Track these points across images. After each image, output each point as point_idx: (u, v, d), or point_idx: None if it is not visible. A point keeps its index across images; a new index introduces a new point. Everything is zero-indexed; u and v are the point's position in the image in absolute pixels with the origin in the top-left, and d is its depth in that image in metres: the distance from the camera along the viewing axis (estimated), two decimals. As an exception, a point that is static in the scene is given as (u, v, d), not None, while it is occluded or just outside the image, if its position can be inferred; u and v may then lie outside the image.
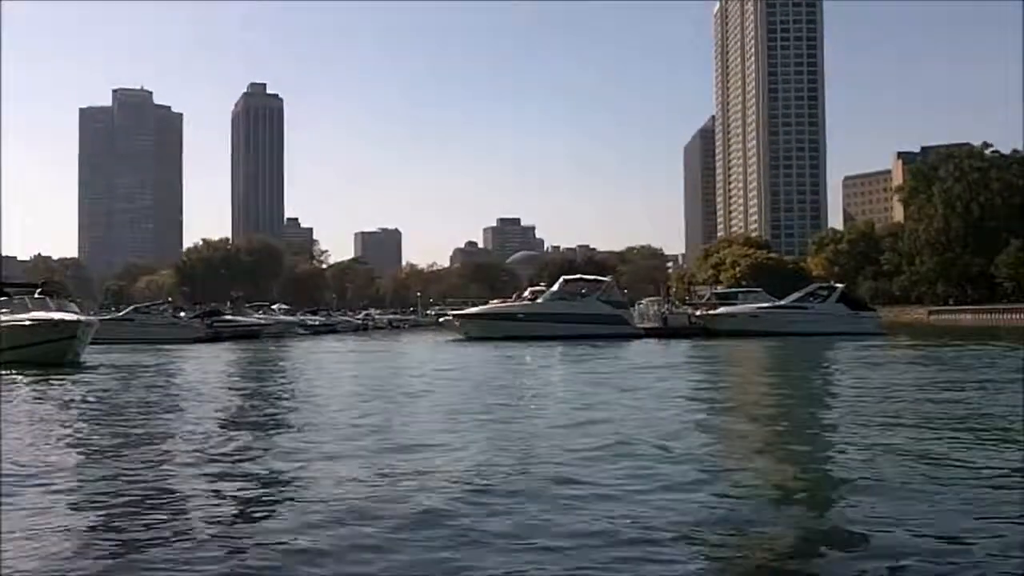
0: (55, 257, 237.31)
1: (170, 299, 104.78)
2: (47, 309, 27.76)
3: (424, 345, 45.67)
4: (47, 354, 25.39)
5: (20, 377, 21.33)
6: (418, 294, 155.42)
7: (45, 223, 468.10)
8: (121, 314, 54.88)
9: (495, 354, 32.58)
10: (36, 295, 29.61)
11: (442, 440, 10.49)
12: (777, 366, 27.56)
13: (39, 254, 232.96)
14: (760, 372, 24.82)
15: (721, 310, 51.10)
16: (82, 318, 27.63)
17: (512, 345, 38.44)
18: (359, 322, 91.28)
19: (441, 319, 56.68)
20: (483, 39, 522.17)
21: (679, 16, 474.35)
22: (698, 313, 51.64)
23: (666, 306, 56.74)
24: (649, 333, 48.18)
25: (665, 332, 48.40)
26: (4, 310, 27.69)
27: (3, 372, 21.97)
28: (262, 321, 62.36)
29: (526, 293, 54.72)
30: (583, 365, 26.80)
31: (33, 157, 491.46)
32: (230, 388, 20.39)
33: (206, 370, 26.71)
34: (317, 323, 74.75)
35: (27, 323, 26.64)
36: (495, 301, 57.90)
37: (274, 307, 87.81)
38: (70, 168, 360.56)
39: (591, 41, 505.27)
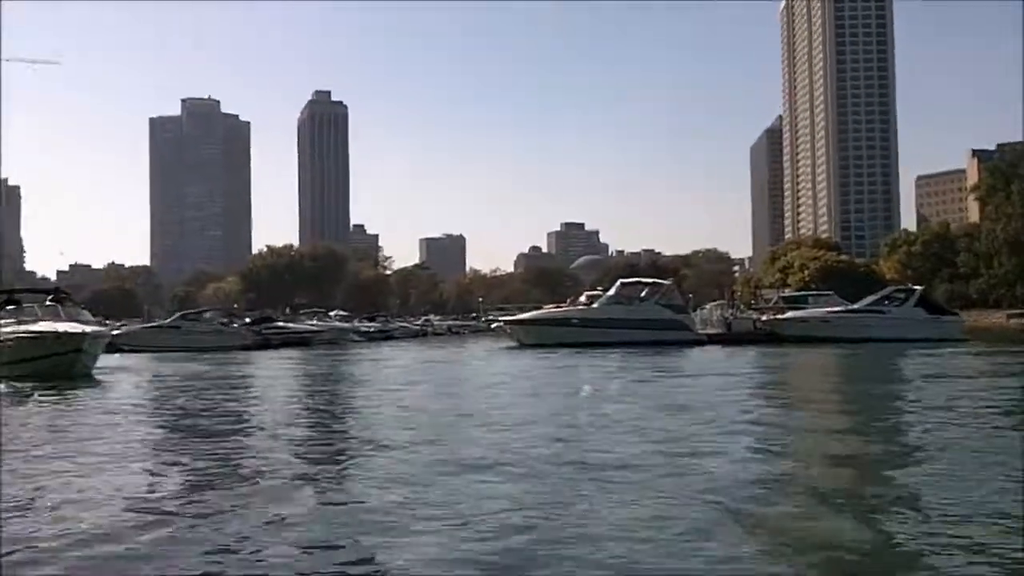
0: (127, 264, 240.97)
1: (235, 305, 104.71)
2: (57, 318, 26.23)
3: (475, 353, 43.76)
4: (54, 368, 23.93)
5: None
6: (480, 299, 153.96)
7: (119, 231, 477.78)
8: (167, 322, 54.26)
9: (545, 365, 30.50)
10: (47, 303, 28.14)
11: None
12: (876, 377, 24.66)
13: (112, 262, 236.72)
14: (862, 386, 21.78)
15: (789, 314, 48.23)
16: (88, 330, 25.84)
17: (567, 353, 36.29)
18: (417, 328, 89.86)
19: (493, 325, 54.54)
20: (548, 41, 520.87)
21: (745, 15, 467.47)
22: (764, 318, 48.88)
23: (730, 311, 54.00)
24: (712, 339, 45.65)
25: (729, 338, 45.80)
26: (11, 320, 26.38)
27: None
28: (314, 328, 61.05)
29: (582, 298, 52.25)
30: (645, 380, 24.53)
31: (107, 166, 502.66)
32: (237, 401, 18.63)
33: (233, 382, 25.16)
34: (372, 330, 73.29)
35: (30, 336, 25.20)
36: (549, 306, 55.62)
37: (331, 313, 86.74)
38: (142, 177, 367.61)
39: (656, 42, 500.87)
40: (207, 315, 56.58)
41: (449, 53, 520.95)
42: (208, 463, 9.61)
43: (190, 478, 8.82)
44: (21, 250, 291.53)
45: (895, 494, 7.67)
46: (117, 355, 45.61)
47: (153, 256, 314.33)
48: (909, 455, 9.78)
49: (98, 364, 27.36)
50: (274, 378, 26.49)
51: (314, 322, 66.00)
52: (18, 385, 21.19)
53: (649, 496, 7.42)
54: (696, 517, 6.70)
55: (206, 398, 19.08)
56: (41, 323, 25.84)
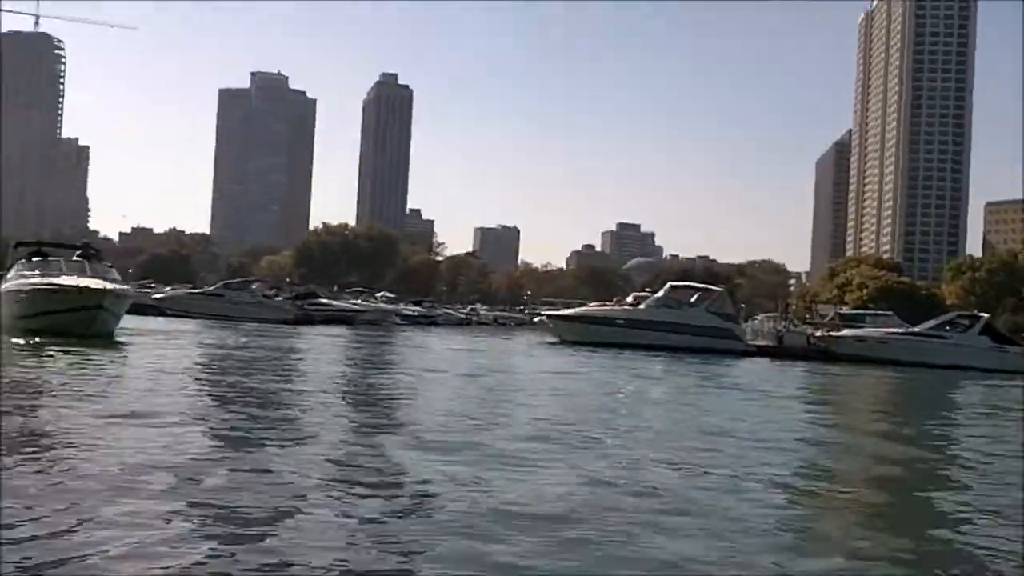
0: (188, 232, 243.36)
1: (288, 279, 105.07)
2: (82, 274, 25.19)
3: (512, 347, 42.60)
4: (72, 323, 22.88)
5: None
6: (528, 293, 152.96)
7: (183, 199, 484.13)
8: (211, 289, 54.25)
9: (583, 364, 29.32)
10: (74, 258, 27.14)
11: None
12: (940, 406, 22.93)
13: (173, 228, 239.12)
14: (924, 421, 20.00)
15: (846, 332, 46.22)
16: (110, 286, 24.54)
17: (608, 354, 35.03)
18: (462, 316, 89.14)
19: (536, 319, 53.31)
20: (614, 41, 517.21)
21: (822, 24, 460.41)
22: (819, 333, 46.98)
23: (783, 323, 52.19)
24: (761, 351, 44.05)
25: (779, 351, 44.15)
26: (36, 271, 25.48)
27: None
28: (357, 307, 60.46)
29: (629, 298, 50.88)
30: (685, 389, 23.26)
31: (176, 133, 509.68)
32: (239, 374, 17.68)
33: (253, 350, 24.36)
34: (416, 314, 72.58)
35: (49, 288, 24.16)
36: (593, 304, 54.20)
37: (378, 295, 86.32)
38: (208, 147, 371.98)
39: (724, 47, 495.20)
40: (252, 286, 56.31)
41: (516, 46, 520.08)
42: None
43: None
44: (86, 209, 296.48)
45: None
46: (161, 318, 45.70)
47: (213, 226, 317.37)
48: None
49: (125, 325, 26.77)
50: (297, 357, 25.54)
51: (358, 302, 65.41)
52: (30, 340, 20.51)
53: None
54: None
55: (221, 370, 18.23)
56: (64, 277, 24.88)
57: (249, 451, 8.50)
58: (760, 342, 47.01)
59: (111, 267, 28.88)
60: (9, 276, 26.95)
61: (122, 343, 23.47)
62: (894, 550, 6.26)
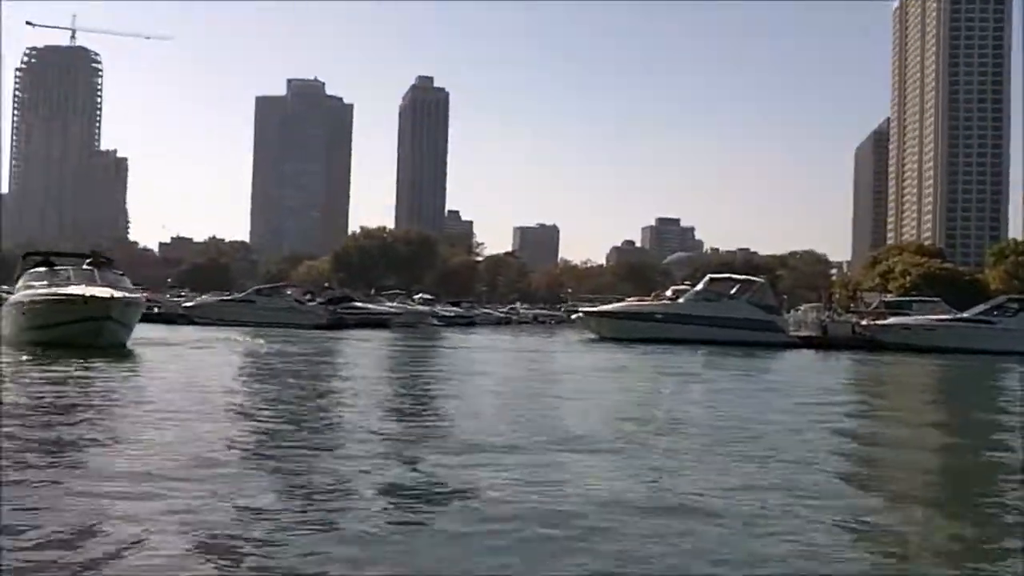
0: (227, 240, 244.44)
1: (326, 285, 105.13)
2: (91, 283, 24.03)
3: (548, 346, 41.75)
4: (80, 335, 22.02)
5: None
6: (568, 290, 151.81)
7: (222, 207, 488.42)
8: (241, 295, 53.75)
9: (622, 362, 28.40)
10: (84, 267, 26.17)
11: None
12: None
13: (213, 236, 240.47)
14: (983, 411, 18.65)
15: (892, 320, 44.78)
16: (117, 295, 23.43)
17: (646, 350, 34.06)
18: (501, 315, 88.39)
19: (573, 316, 52.27)
20: (649, 36, 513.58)
21: (856, 14, 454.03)
22: (864, 322, 45.54)
23: (827, 313, 50.77)
24: (805, 342, 42.81)
25: (823, 342, 42.86)
26: (43, 282, 24.56)
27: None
28: (392, 310, 59.82)
29: (668, 292, 49.70)
30: (723, 389, 22.26)
31: (214, 142, 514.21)
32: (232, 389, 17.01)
33: (278, 359, 23.73)
34: (453, 315, 71.87)
35: (54, 299, 23.17)
36: (631, 299, 53.04)
37: (415, 296, 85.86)
38: (246, 155, 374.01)
39: (761, 38, 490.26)
40: (285, 291, 55.87)
41: (551, 44, 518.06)
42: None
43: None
44: (126, 221, 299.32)
45: None
46: (190, 327, 45.31)
47: (253, 233, 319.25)
48: None
49: (148, 335, 26.22)
50: (328, 363, 24.87)
51: (393, 304, 64.78)
52: (35, 352, 19.86)
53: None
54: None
55: (243, 385, 17.51)
56: (71, 287, 23.73)
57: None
58: (804, 333, 45.74)
59: (123, 275, 27.81)
60: (17, 287, 26.26)
61: (132, 355, 22.41)
62: None
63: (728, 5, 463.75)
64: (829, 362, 31.93)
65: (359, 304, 58.18)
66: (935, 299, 53.82)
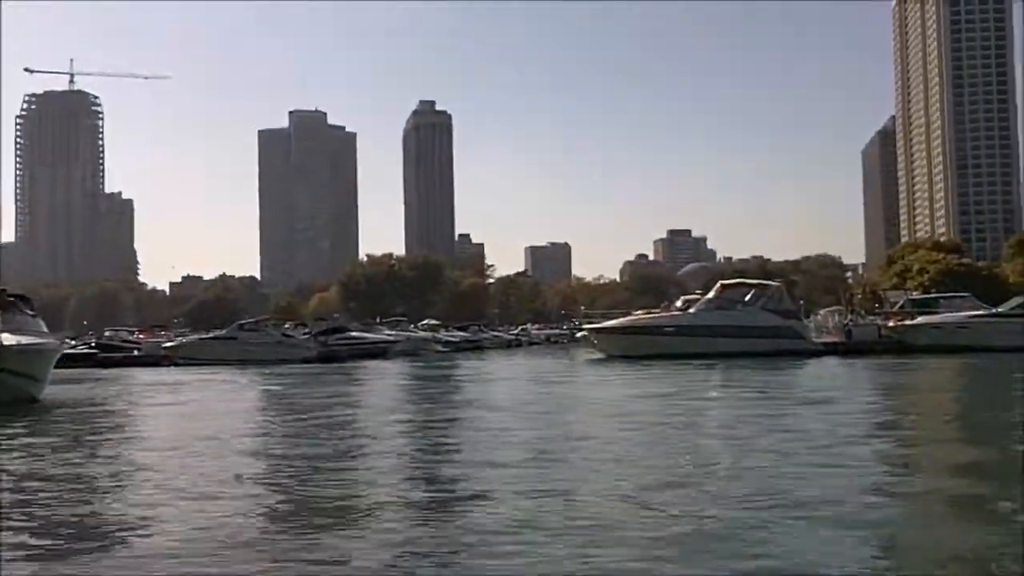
0: (237, 276, 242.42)
1: (336, 315, 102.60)
2: None
3: (550, 369, 38.62)
4: None
5: None
6: (582, 308, 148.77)
7: (231, 244, 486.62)
8: (224, 333, 50.88)
9: (627, 383, 25.38)
10: None
11: None
12: None
13: (223, 273, 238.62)
14: None
15: (920, 320, 41.49)
16: (10, 342, 19.92)
17: (655, 369, 30.96)
18: (511, 338, 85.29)
19: (578, 334, 48.89)
20: (651, 47, 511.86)
21: (855, 15, 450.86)
22: (891, 324, 42.24)
23: (849, 316, 47.51)
24: (828, 349, 39.69)
25: (848, 348, 39.75)
26: None
27: None
28: (390, 338, 56.75)
29: (677, 303, 46.48)
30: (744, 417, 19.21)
31: (218, 178, 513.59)
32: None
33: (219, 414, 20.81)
34: (458, 339, 68.72)
35: None
36: (638, 312, 49.64)
37: (421, 323, 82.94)
38: (251, 189, 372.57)
39: (762, 42, 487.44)
40: (269, 324, 53.10)
41: (553, 60, 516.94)
42: None
43: None
44: (135, 262, 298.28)
45: None
46: (172, 368, 42.62)
47: (263, 267, 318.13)
48: None
49: (107, 377, 23.11)
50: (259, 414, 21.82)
51: (391, 332, 61.65)
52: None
53: None
54: None
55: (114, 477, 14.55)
56: None
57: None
58: (826, 339, 42.62)
59: (34, 315, 23.78)
60: None
61: (38, 411, 18.99)
62: None
63: (730, 10, 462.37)
64: (867, 371, 28.73)
65: (355, 334, 55.14)
66: (964, 294, 49.48)
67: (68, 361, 45.84)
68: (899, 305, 49.11)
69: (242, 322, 52.81)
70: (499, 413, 16.96)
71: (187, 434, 14.39)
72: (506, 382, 28.71)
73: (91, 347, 53.00)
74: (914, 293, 64.00)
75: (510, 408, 18.27)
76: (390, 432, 14.56)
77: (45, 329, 23.36)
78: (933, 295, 55.67)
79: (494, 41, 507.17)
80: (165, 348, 48.36)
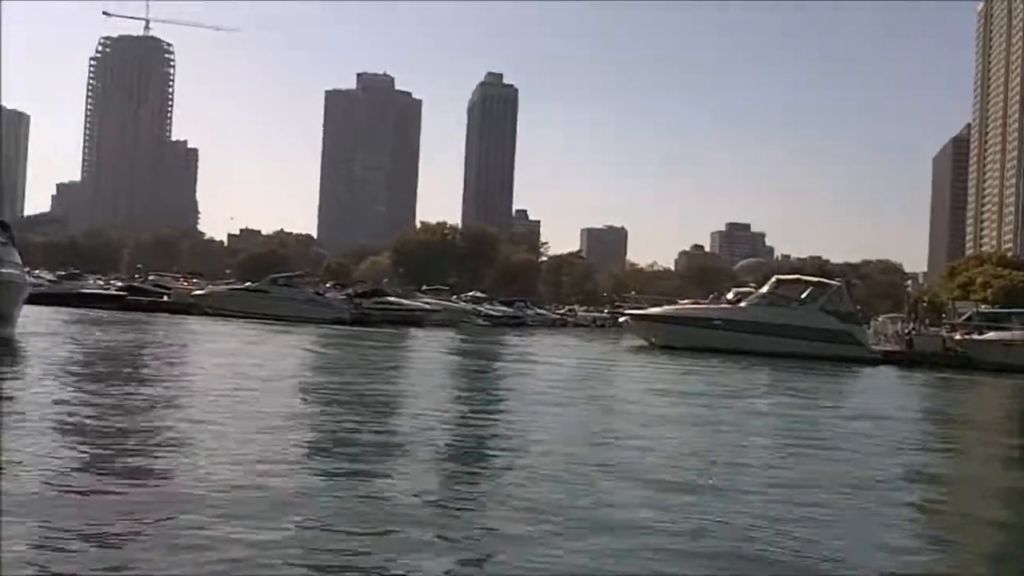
0: (294, 233, 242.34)
1: (385, 280, 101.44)
2: None
3: (584, 354, 36.44)
4: None
5: None
6: (633, 292, 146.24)
7: (291, 200, 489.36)
8: (255, 285, 49.44)
9: (650, 386, 23.29)
10: None
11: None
12: None
13: (281, 229, 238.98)
14: None
15: (991, 335, 38.57)
16: None
17: (698, 364, 28.73)
18: (556, 317, 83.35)
19: (620, 319, 46.49)
20: (722, 39, 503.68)
21: (936, 13, 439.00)
22: (957, 336, 39.34)
23: (912, 325, 44.62)
24: (888, 358, 37.05)
25: (909, 358, 37.08)
26: None
27: None
28: (427, 307, 54.93)
29: (729, 294, 43.87)
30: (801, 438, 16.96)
31: (283, 135, 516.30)
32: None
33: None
34: (499, 314, 66.78)
35: None
36: (685, 301, 47.07)
37: (467, 294, 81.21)
38: (315, 148, 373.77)
39: (840, 41, 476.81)
40: (305, 281, 51.81)
41: (624, 44, 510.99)
42: None
43: None
44: (195, 211, 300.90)
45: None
46: (199, 318, 41.45)
47: (321, 227, 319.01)
48: None
49: (120, 320, 21.67)
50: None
51: (429, 301, 59.79)
52: None
53: None
54: None
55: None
56: None
57: None
58: (885, 347, 39.95)
59: (6, 243, 20.92)
60: None
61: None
62: None
63: (808, 9, 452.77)
64: (932, 387, 26.24)
65: (392, 299, 53.47)
66: (1038, 313, 46.41)
67: (96, 301, 45.25)
68: (965, 317, 46.08)
69: (275, 275, 51.34)
70: (452, 411, 14.67)
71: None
72: (520, 368, 26.49)
73: (119, 289, 51.96)
74: (982, 306, 60.38)
75: (470, 405, 15.78)
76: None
77: (19, 260, 21.19)
78: (1005, 310, 52.04)
79: (568, 18, 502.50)
80: (194, 296, 47.21)
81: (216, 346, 24.94)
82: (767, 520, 6.60)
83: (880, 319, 53.61)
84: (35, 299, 36.84)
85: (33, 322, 24.25)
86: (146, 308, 44.26)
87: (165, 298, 48.94)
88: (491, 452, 9.55)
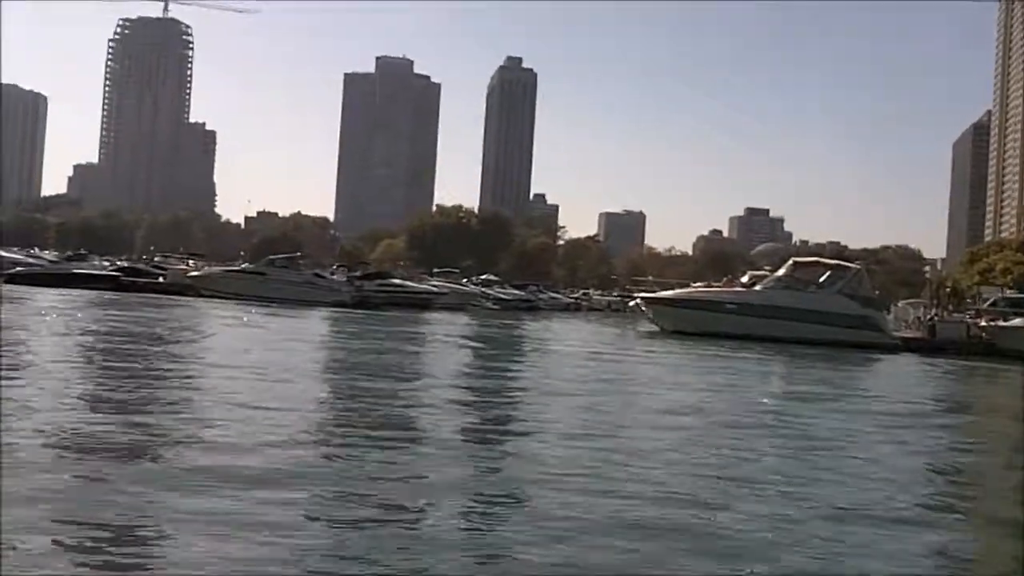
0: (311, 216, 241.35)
1: (401, 263, 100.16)
2: None
3: (589, 339, 35.02)
4: None
5: None
6: (649, 278, 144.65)
7: (308, 183, 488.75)
8: (252, 266, 48.15)
9: (653, 376, 21.83)
10: None
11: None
12: None
13: (298, 212, 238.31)
14: None
15: (1016, 321, 36.79)
16: None
17: (710, 350, 27.21)
18: (569, 301, 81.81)
19: (631, 303, 44.94)
20: (744, 27, 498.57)
21: (958, 3, 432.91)
22: (982, 323, 37.58)
23: (934, 311, 42.86)
24: (908, 345, 35.39)
25: (931, 346, 35.42)
26: None
27: None
28: (433, 289, 53.45)
29: (744, 278, 42.18)
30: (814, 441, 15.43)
31: (301, 118, 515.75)
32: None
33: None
34: (511, 297, 65.14)
35: None
36: (697, 284, 45.34)
37: (478, 277, 79.73)
38: (332, 131, 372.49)
39: (861, 30, 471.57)
40: (302, 263, 50.53)
41: (644, 28, 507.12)
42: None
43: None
44: (213, 194, 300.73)
45: None
46: (193, 299, 40.29)
47: (338, 210, 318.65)
48: None
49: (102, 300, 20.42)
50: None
51: (436, 283, 58.32)
52: None
53: None
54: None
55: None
56: None
57: None
58: (906, 333, 38.29)
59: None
60: None
61: None
62: None
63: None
64: (958, 377, 24.66)
65: (396, 282, 52.06)
66: (1065, 299, 44.54)
67: (89, 281, 44.09)
68: (990, 302, 44.30)
69: (273, 257, 50.04)
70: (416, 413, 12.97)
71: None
72: (516, 353, 25.07)
73: (115, 270, 50.71)
74: (1010, 292, 58.40)
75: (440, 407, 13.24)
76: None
77: None
78: (1030, 296, 50.21)
79: (585, 3, 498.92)
80: (190, 278, 45.96)
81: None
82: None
83: (900, 304, 52.05)
84: (27, 279, 35.57)
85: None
86: (139, 289, 43.07)
87: (160, 280, 47.72)
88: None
